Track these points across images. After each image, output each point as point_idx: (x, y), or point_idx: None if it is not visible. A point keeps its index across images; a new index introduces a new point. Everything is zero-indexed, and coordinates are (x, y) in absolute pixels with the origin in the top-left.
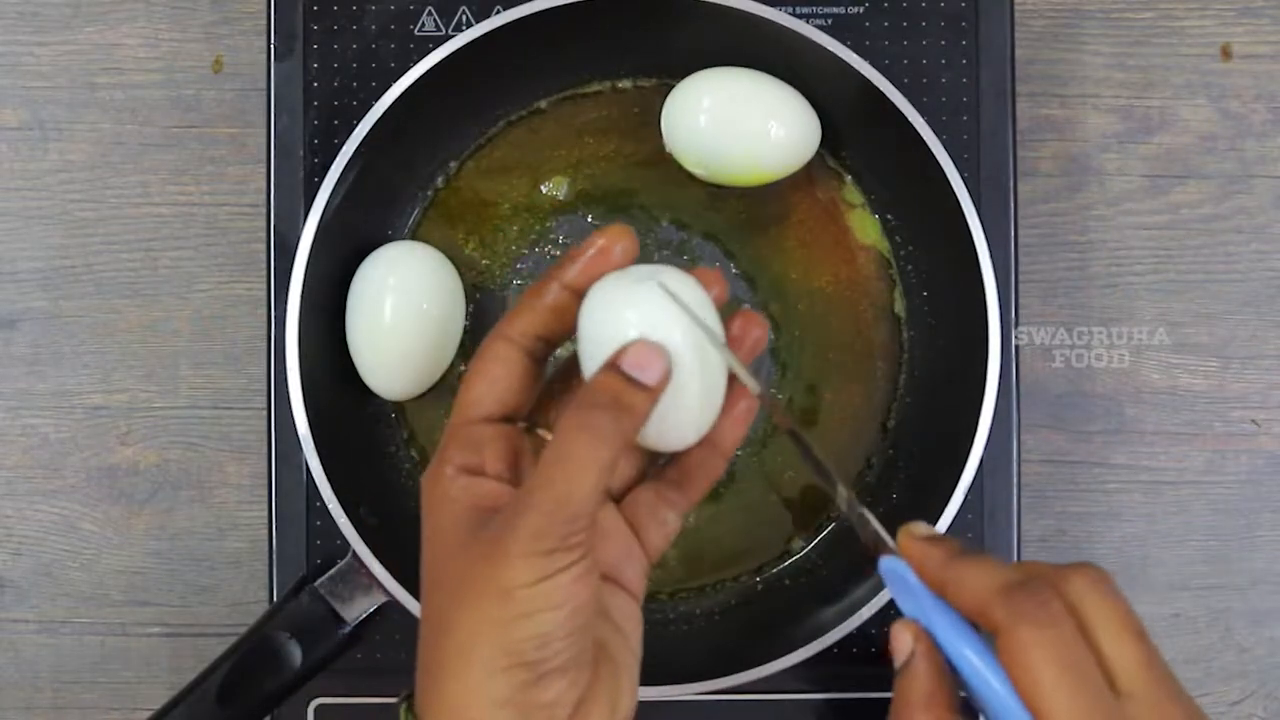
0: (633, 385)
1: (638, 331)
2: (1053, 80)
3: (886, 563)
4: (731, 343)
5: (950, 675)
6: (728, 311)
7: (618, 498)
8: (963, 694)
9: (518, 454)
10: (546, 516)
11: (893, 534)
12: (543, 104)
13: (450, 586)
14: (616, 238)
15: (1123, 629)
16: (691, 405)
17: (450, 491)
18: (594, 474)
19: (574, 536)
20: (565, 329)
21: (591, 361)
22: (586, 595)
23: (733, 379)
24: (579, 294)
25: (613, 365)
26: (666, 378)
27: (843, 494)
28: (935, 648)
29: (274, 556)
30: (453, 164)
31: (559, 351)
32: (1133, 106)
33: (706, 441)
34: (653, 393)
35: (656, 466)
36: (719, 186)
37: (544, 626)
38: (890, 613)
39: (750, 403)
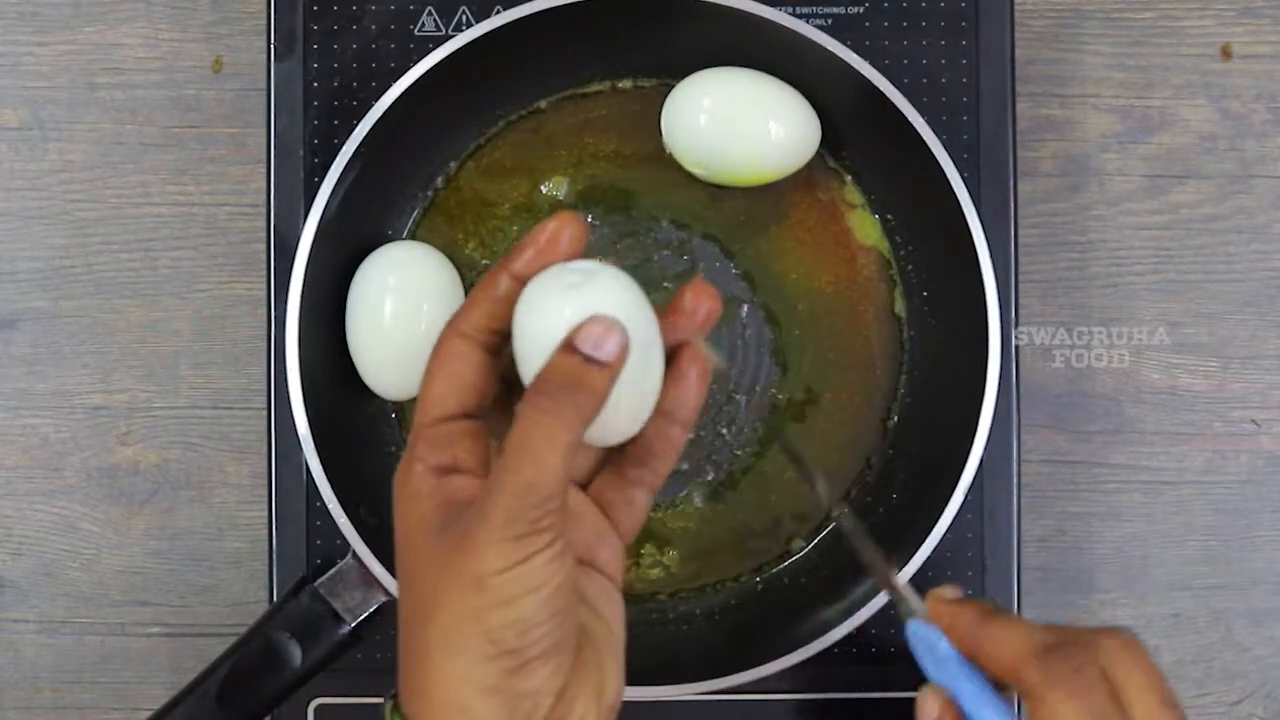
0: (590, 364)
1: (574, 322)
2: (1053, 80)
3: (914, 626)
4: (682, 317)
5: None
6: (730, 313)
7: (584, 482)
8: None
9: (487, 449)
10: (514, 502)
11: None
12: (543, 104)
13: (428, 582)
14: (564, 224)
15: (1154, 697)
16: (628, 395)
17: (422, 489)
18: (558, 457)
19: (544, 520)
20: None
21: (526, 359)
22: (562, 578)
23: (677, 352)
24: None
25: (569, 344)
26: (624, 353)
27: (881, 567)
28: (961, 717)
29: (274, 556)
30: (453, 164)
31: None
32: (1133, 106)
33: (662, 414)
34: (611, 369)
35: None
36: (719, 186)
37: (523, 612)
38: (890, 613)
39: (702, 370)
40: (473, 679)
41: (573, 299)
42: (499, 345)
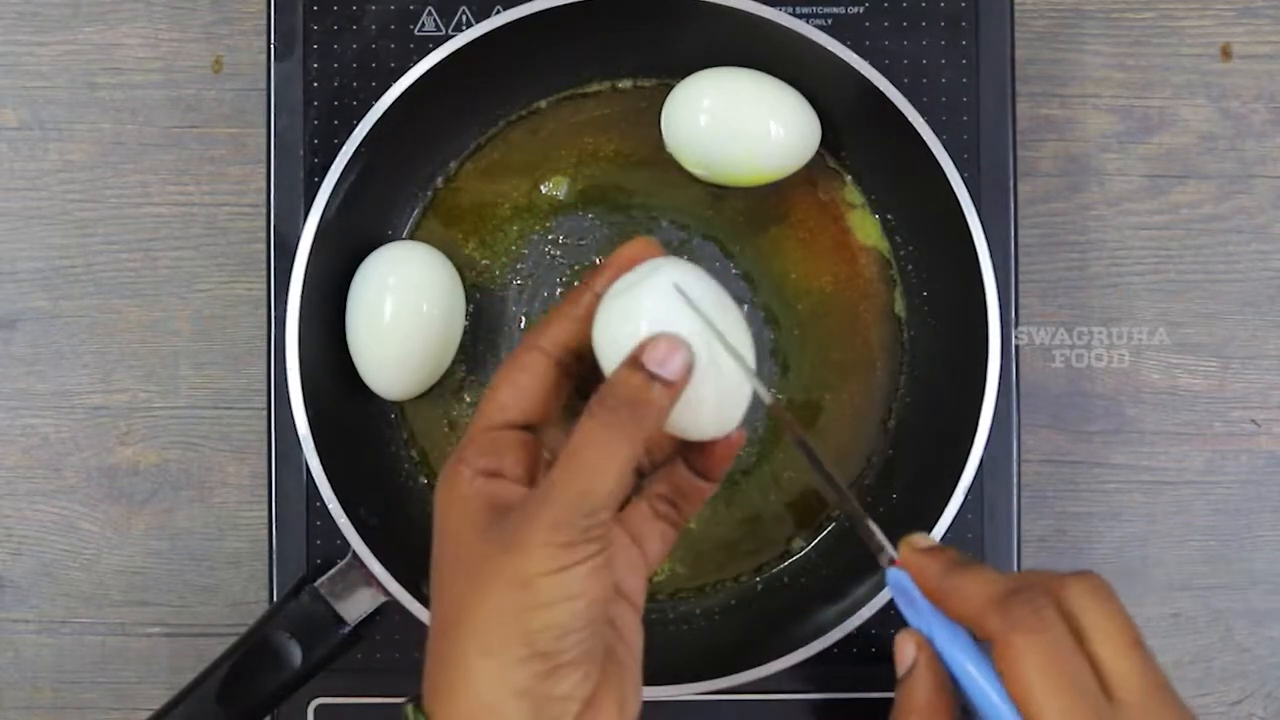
0: (654, 381)
1: (649, 326)
2: (1053, 80)
3: (892, 574)
4: (710, 448)
5: (951, 685)
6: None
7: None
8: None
9: (535, 461)
10: (566, 509)
11: (895, 543)
12: (543, 104)
13: (467, 579)
14: (644, 248)
15: (1119, 637)
16: (717, 395)
17: (467, 491)
18: (615, 469)
19: (593, 530)
20: None
21: (609, 362)
22: (601, 589)
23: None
24: None
25: (634, 360)
26: (688, 372)
27: (851, 505)
28: (937, 658)
29: (274, 556)
30: (453, 164)
31: None
32: (1133, 106)
33: (695, 469)
34: (674, 388)
35: (648, 481)
36: (719, 186)
37: (562, 617)
38: (890, 614)
39: (734, 441)
40: (505, 680)
41: (627, 305)
42: (573, 364)
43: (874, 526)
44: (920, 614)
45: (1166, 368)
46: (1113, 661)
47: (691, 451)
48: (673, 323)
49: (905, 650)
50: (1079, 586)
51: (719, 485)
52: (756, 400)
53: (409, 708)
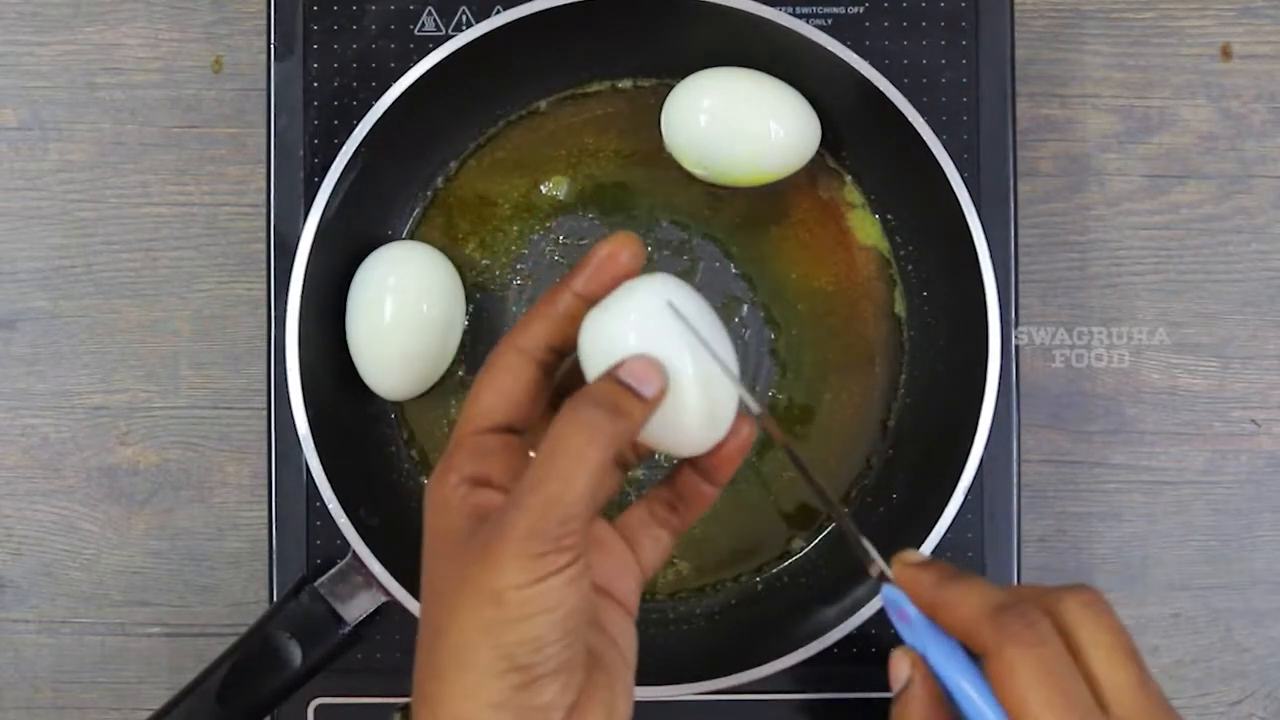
0: (630, 393)
1: (638, 340)
2: (1053, 80)
3: (886, 590)
4: (718, 447)
5: (946, 703)
6: (730, 313)
7: (609, 515)
8: None
9: (522, 466)
10: (538, 517)
11: (888, 560)
12: (542, 104)
13: (445, 591)
14: (622, 244)
15: (1115, 650)
16: (703, 411)
17: (451, 499)
18: (585, 473)
19: (566, 539)
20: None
21: (594, 376)
22: (578, 599)
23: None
24: (590, 302)
25: (611, 375)
26: (663, 393)
27: (845, 523)
28: (932, 675)
29: (274, 556)
30: (453, 164)
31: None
32: (1133, 106)
33: (698, 471)
34: (649, 404)
35: (650, 487)
36: (719, 186)
37: (537, 630)
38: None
39: (743, 445)
40: (482, 694)
41: (614, 321)
42: (554, 363)
43: (869, 545)
44: (914, 630)
45: (1166, 368)
46: (1108, 676)
47: (702, 457)
48: (660, 339)
49: (900, 668)
50: (1074, 600)
51: (720, 491)
52: (758, 398)
53: (397, 717)
